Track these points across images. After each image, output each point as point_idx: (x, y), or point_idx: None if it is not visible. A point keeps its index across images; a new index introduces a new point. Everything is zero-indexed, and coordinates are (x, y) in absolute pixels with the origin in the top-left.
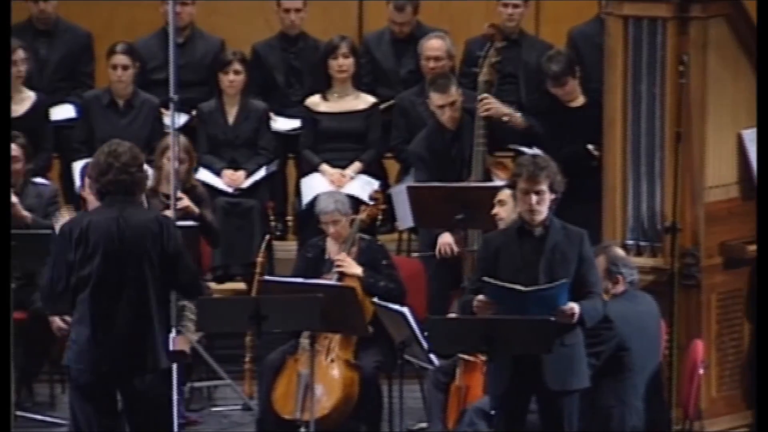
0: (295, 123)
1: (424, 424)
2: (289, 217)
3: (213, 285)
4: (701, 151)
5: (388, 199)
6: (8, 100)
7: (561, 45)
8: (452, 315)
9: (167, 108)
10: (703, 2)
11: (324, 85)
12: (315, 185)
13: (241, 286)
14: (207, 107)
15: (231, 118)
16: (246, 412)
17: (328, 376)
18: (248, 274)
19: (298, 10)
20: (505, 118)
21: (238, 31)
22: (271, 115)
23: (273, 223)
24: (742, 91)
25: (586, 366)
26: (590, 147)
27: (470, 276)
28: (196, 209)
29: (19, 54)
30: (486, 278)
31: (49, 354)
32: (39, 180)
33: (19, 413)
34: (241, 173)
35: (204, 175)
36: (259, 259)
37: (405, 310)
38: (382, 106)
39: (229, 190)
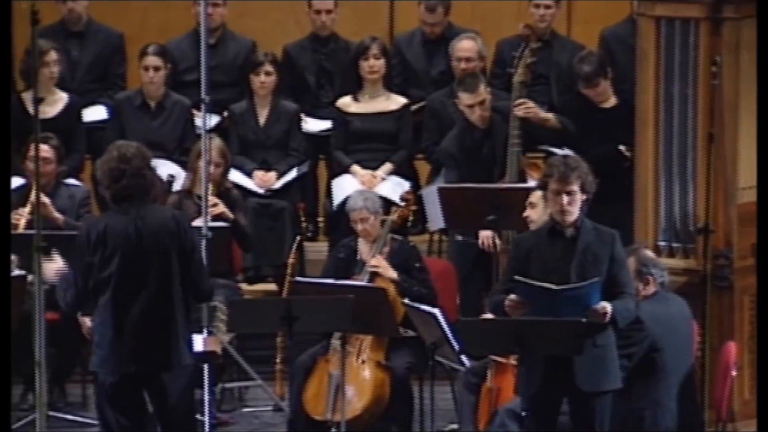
0: (326, 124)
1: (455, 426)
2: (320, 218)
3: (244, 286)
4: (734, 152)
5: (419, 200)
6: (8, 101)
7: (593, 46)
8: (487, 316)
9: (199, 109)
10: (735, 3)
11: (355, 86)
12: (346, 186)
13: (272, 287)
14: (238, 108)
15: (262, 120)
16: (277, 413)
17: (359, 377)
18: (279, 275)
19: (329, 11)
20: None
21: (269, 33)
22: (302, 116)
23: (304, 224)
24: None
25: (618, 367)
26: (622, 148)
27: (501, 277)
28: (230, 215)
29: (52, 55)
30: (518, 277)
31: (80, 354)
32: (71, 181)
33: (51, 413)
34: (273, 174)
35: (235, 176)
36: (290, 260)
37: (436, 311)
38: (413, 107)
39: (261, 191)
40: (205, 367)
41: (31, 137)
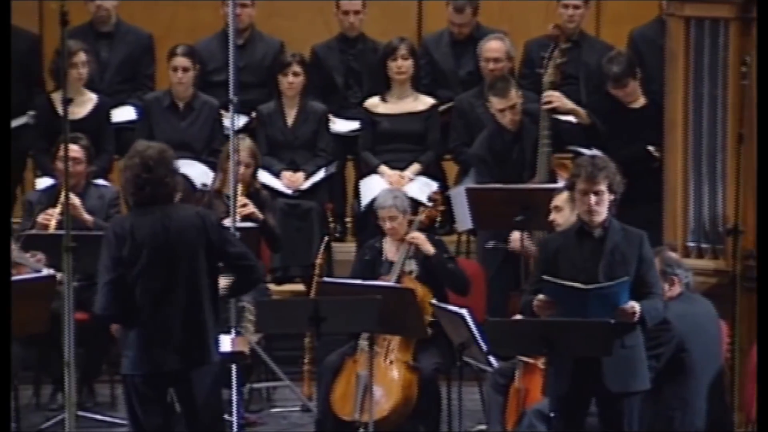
0: (354, 125)
1: (482, 426)
2: (348, 219)
3: (272, 286)
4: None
5: (447, 201)
6: (8, 101)
7: (621, 46)
8: (517, 317)
9: (227, 110)
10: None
11: (383, 87)
12: (374, 187)
13: (300, 287)
14: (266, 109)
15: (290, 120)
16: (305, 413)
17: (387, 377)
18: (307, 275)
19: (357, 12)
20: (568, 117)
21: (297, 33)
22: (330, 116)
23: (332, 225)
24: None
25: (647, 368)
26: (651, 148)
27: (529, 278)
28: (260, 215)
29: (80, 56)
30: (546, 277)
31: (109, 354)
32: (100, 182)
33: (80, 413)
34: (300, 175)
35: (263, 176)
36: (318, 261)
37: (464, 311)
38: (441, 108)
39: (288, 191)
40: (233, 367)
41: (61, 138)
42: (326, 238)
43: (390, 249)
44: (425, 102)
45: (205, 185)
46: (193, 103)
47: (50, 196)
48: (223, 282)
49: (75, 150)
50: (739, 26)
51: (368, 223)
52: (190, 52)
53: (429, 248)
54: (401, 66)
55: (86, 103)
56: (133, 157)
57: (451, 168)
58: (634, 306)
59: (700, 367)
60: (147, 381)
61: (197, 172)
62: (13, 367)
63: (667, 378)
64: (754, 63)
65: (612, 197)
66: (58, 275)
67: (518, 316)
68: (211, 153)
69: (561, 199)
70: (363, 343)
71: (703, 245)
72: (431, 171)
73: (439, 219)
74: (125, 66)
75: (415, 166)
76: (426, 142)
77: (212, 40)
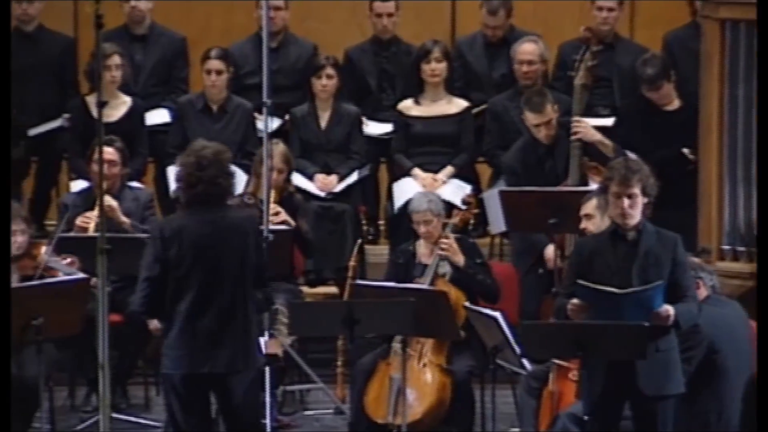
0: (387, 127)
1: (516, 429)
2: (381, 221)
3: (305, 289)
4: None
5: (480, 204)
6: (8, 101)
7: (656, 49)
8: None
9: (260, 112)
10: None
11: (416, 90)
12: (407, 189)
13: (333, 290)
14: (300, 112)
15: (323, 123)
16: (338, 416)
17: (420, 380)
18: (340, 278)
19: (390, 15)
20: (600, 121)
21: (331, 36)
22: (364, 119)
23: (365, 227)
24: None
25: (681, 371)
26: (685, 151)
27: (563, 281)
28: (292, 222)
29: (114, 59)
30: (580, 281)
31: (143, 356)
32: (134, 184)
33: (114, 415)
34: (334, 177)
35: (296, 179)
36: (352, 263)
37: (497, 314)
38: (474, 111)
39: (322, 194)
40: (267, 369)
41: (95, 140)
42: (359, 241)
43: (423, 252)
44: (459, 105)
45: (244, 195)
46: (226, 106)
47: (85, 199)
48: None
49: (110, 152)
50: None
51: (401, 226)
52: (224, 55)
53: (459, 259)
54: (435, 69)
55: (120, 105)
56: (189, 155)
57: (484, 171)
58: (669, 310)
59: (733, 367)
60: (186, 381)
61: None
62: (48, 368)
63: (701, 380)
64: None
65: (646, 200)
66: (93, 280)
67: (552, 320)
68: (245, 156)
69: (591, 206)
70: (396, 345)
71: (739, 248)
72: (465, 174)
73: (472, 222)
74: (159, 69)
75: (449, 169)
76: (459, 145)
77: (246, 42)
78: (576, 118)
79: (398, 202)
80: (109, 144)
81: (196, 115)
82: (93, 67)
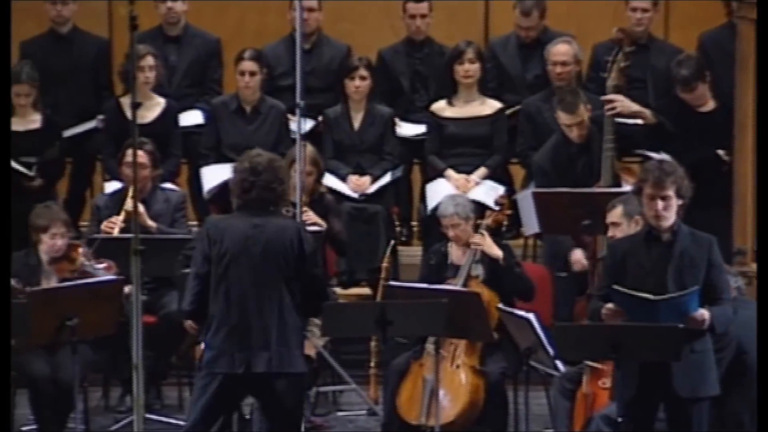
0: (420, 128)
1: (549, 431)
2: (414, 223)
3: (338, 290)
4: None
5: (513, 205)
6: (9, 101)
7: (691, 49)
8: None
9: (294, 114)
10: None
11: (449, 91)
12: (440, 190)
13: (366, 291)
14: (333, 113)
15: (357, 124)
16: (371, 417)
17: (453, 382)
18: (373, 279)
19: (423, 16)
20: (634, 120)
21: (364, 37)
22: (397, 120)
23: (398, 229)
24: None
25: (716, 373)
26: (720, 152)
27: (597, 283)
28: (323, 224)
29: (148, 60)
30: (616, 287)
31: (177, 357)
32: (167, 185)
33: (148, 415)
34: (367, 178)
35: (330, 180)
36: (384, 265)
37: (531, 316)
38: (507, 112)
39: (355, 195)
40: None
41: (127, 142)
42: (392, 242)
43: (456, 253)
44: (492, 106)
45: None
46: (260, 107)
47: (116, 201)
48: None
49: (139, 155)
50: None
51: (434, 227)
52: (258, 57)
53: (496, 252)
54: (468, 70)
55: (154, 107)
56: (243, 161)
57: (517, 172)
58: (704, 314)
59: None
60: (225, 379)
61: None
62: (83, 369)
63: (733, 381)
64: None
65: (680, 202)
66: (126, 288)
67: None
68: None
69: (616, 214)
70: (429, 346)
71: None
72: (498, 175)
73: (505, 223)
74: (193, 70)
75: (482, 170)
76: (492, 146)
77: (279, 44)
78: (609, 96)
79: (431, 203)
80: (139, 147)
81: (229, 116)
82: (127, 68)
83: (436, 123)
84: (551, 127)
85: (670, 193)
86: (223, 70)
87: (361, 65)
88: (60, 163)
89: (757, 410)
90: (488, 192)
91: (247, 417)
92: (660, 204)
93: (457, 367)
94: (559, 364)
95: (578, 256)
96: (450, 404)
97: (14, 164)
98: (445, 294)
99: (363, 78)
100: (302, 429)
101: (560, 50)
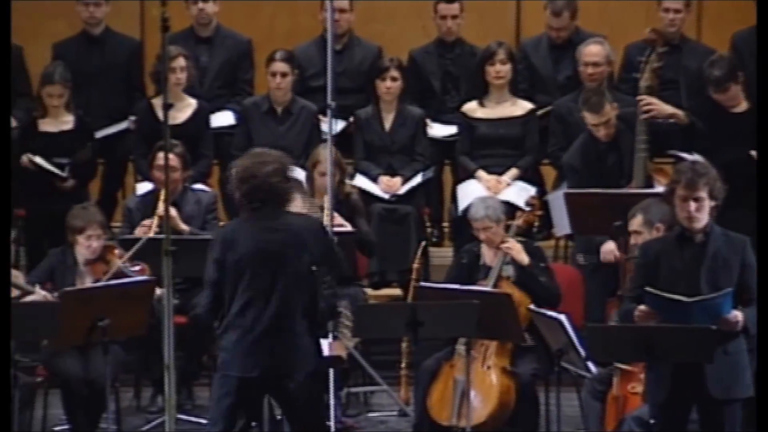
0: (451, 129)
1: None
2: (445, 224)
3: (369, 291)
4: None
5: (544, 206)
6: (8, 101)
7: (723, 50)
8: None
9: (325, 115)
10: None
11: (481, 92)
12: (471, 191)
13: (397, 292)
14: (364, 114)
15: (388, 125)
16: (402, 418)
17: (484, 383)
18: (404, 280)
19: (455, 17)
20: (667, 119)
21: (395, 38)
22: (428, 121)
23: (429, 230)
24: None
25: (750, 375)
26: (753, 153)
27: (628, 284)
28: (347, 225)
29: (180, 62)
30: (648, 288)
31: (208, 357)
32: (199, 186)
33: (179, 416)
34: (398, 179)
35: (360, 181)
36: (415, 265)
37: (562, 317)
38: (539, 113)
39: (386, 196)
40: (331, 371)
41: (158, 145)
42: (423, 243)
43: (487, 253)
44: (523, 107)
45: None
46: (291, 108)
47: (148, 203)
48: None
49: (170, 158)
50: None
51: (465, 228)
52: (289, 57)
53: (523, 258)
54: (499, 70)
55: (186, 108)
56: (245, 166)
57: (549, 173)
58: (738, 316)
59: None
60: (239, 382)
61: (297, 177)
62: (115, 369)
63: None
64: None
65: (713, 203)
66: (158, 290)
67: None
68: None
69: (637, 223)
70: (460, 347)
71: None
72: (529, 176)
73: (536, 224)
74: (224, 71)
75: (513, 171)
76: (524, 147)
77: (311, 45)
78: (642, 97)
79: (462, 204)
80: (170, 149)
81: (260, 117)
82: (158, 69)
83: (468, 124)
84: (582, 127)
85: (703, 194)
86: (255, 71)
87: (392, 66)
88: (92, 164)
89: (757, 410)
90: (519, 193)
91: (279, 418)
92: (693, 205)
93: (488, 368)
94: (590, 365)
95: (610, 247)
96: (481, 405)
97: (47, 165)
98: (476, 295)
99: (394, 79)
100: (331, 429)
101: (592, 51)
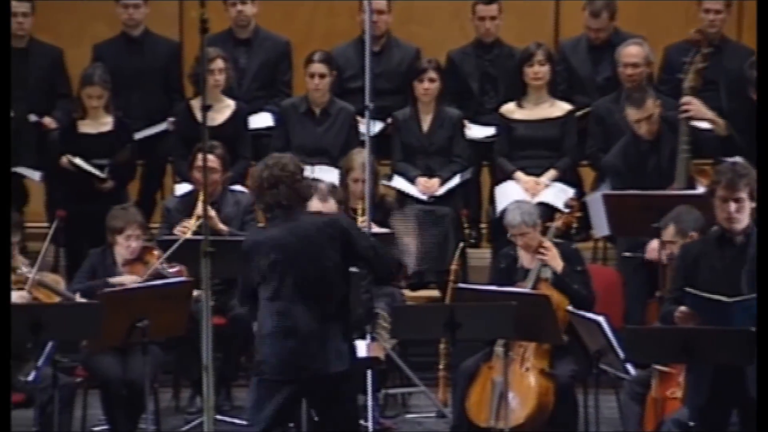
0: (489, 130)
1: None
2: (483, 225)
3: (407, 292)
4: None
5: (583, 207)
6: (8, 101)
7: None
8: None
9: (363, 116)
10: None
11: (519, 93)
12: (509, 193)
13: (435, 293)
14: (402, 115)
15: (425, 126)
16: (440, 420)
17: (523, 385)
18: (442, 281)
19: (493, 18)
20: (705, 124)
21: (433, 39)
22: (466, 122)
23: (467, 231)
24: None
25: None
26: None
27: (668, 286)
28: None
29: (218, 63)
30: (688, 289)
31: (246, 358)
32: (237, 188)
33: (218, 417)
34: (436, 181)
35: (398, 182)
36: (453, 267)
37: (600, 318)
38: (577, 114)
39: (424, 197)
40: (369, 372)
41: (197, 146)
42: (461, 244)
43: (525, 256)
44: (562, 108)
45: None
46: (329, 109)
47: (187, 204)
48: None
49: (210, 160)
50: None
51: (503, 229)
52: (327, 59)
53: (557, 264)
54: (538, 72)
55: (224, 109)
56: (261, 172)
57: (587, 174)
58: None
59: None
60: (275, 385)
61: (334, 178)
62: (153, 370)
63: None
64: None
65: (754, 205)
66: (196, 292)
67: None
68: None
69: (669, 233)
70: (498, 349)
71: None
72: (568, 177)
73: (575, 225)
74: (263, 72)
75: (552, 172)
76: (562, 148)
77: (349, 46)
78: (686, 98)
79: (500, 205)
80: (210, 151)
81: (299, 118)
82: (197, 71)
83: (506, 125)
84: (621, 129)
85: (743, 195)
86: (293, 73)
87: (430, 67)
88: (131, 165)
89: (757, 410)
90: (558, 194)
91: (316, 419)
92: (733, 206)
93: (527, 369)
94: (629, 367)
95: (656, 245)
96: (519, 407)
97: (87, 166)
98: (514, 296)
99: (432, 80)
100: (369, 430)
101: (631, 52)
